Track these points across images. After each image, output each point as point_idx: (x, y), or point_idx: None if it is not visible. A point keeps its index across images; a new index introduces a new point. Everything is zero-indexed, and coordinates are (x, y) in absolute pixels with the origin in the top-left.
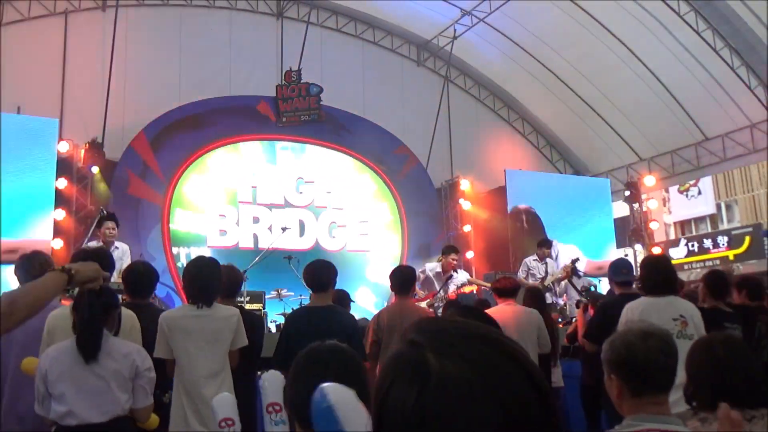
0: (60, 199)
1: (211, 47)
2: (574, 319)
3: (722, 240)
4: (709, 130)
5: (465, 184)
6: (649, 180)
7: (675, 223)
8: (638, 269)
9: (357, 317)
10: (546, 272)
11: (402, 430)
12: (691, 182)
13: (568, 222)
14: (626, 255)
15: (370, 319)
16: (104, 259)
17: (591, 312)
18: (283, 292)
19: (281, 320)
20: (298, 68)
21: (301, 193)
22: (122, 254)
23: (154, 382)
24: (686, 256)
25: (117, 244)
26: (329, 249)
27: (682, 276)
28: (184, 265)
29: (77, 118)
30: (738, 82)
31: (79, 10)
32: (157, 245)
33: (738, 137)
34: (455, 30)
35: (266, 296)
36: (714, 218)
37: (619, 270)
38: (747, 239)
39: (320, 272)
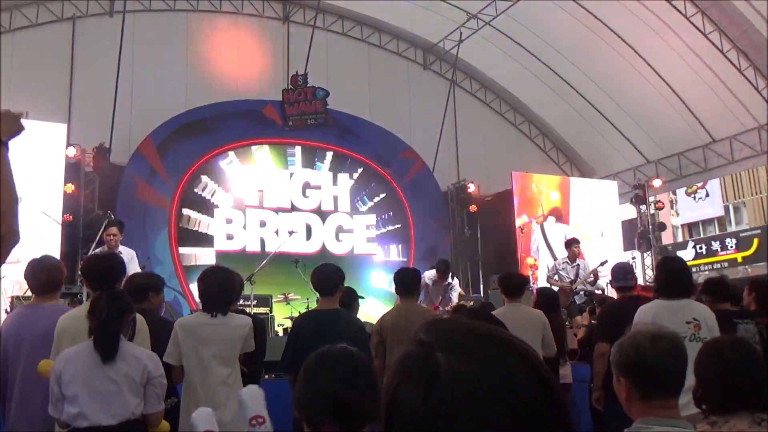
0: (68, 204)
1: (218, 52)
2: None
3: (730, 242)
4: (717, 132)
5: (471, 188)
6: (657, 182)
7: (682, 225)
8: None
9: (363, 319)
10: (576, 275)
11: (411, 429)
12: (699, 184)
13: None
14: (633, 258)
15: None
16: (116, 264)
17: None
18: (290, 295)
19: (288, 324)
20: (304, 72)
21: (307, 197)
22: (128, 260)
23: (166, 388)
24: (694, 259)
25: (121, 249)
26: (336, 253)
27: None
28: (188, 268)
29: (85, 123)
30: (745, 83)
31: (87, 16)
32: (164, 249)
33: (746, 139)
34: (461, 33)
35: (273, 300)
36: (722, 220)
37: (616, 276)
38: (755, 241)
39: (328, 276)
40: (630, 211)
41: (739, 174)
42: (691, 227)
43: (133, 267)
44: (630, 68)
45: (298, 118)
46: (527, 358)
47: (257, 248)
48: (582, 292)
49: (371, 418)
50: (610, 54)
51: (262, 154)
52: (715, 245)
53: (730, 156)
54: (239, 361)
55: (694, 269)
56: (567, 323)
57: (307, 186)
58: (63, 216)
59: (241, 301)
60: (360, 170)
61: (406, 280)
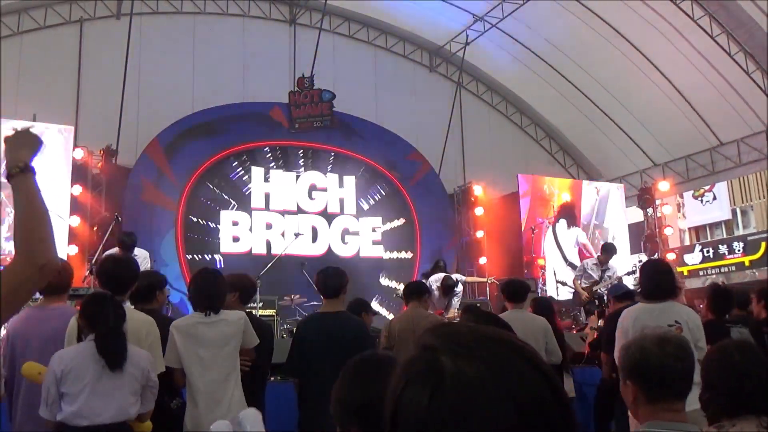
0: (75, 206)
1: (224, 54)
2: (590, 327)
3: (738, 246)
4: (724, 135)
5: (477, 190)
6: (664, 185)
7: (690, 228)
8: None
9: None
10: (601, 278)
11: None
12: (706, 187)
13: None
14: (639, 261)
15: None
16: (131, 268)
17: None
18: (296, 298)
19: (294, 326)
20: (310, 74)
21: (313, 199)
22: (142, 261)
23: (170, 389)
24: (701, 262)
25: (136, 251)
26: (342, 255)
27: (697, 282)
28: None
29: (92, 125)
30: (753, 86)
31: (94, 19)
32: (171, 251)
33: (753, 142)
34: (467, 36)
35: (279, 302)
36: (729, 224)
37: (615, 286)
38: (763, 245)
39: (332, 279)
40: (637, 215)
41: (746, 177)
42: (698, 230)
43: (146, 267)
44: (637, 71)
45: (304, 120)
46: (532, 359)
47: (263, 251)
48: (594, 298)
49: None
50: (617, 56)
51: (268, 156)
52: (723, 249)
53: (738, 159)
54: (248, 357)
55: (701, 273)
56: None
57: (313, 188)
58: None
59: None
60: (366, 172)
61: (413, 287)
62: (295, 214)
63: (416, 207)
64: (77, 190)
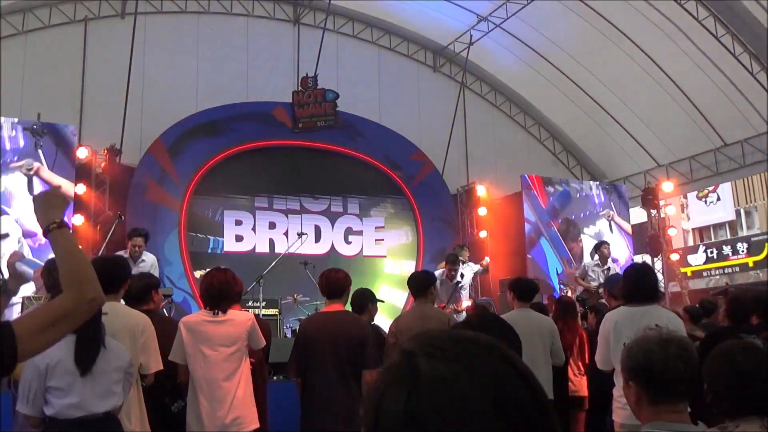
0: (78, 205)
1: (228, 54)
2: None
3: (742, 247)
4: (728, 136)
5: (481, 190)
6: (667, 186)
7: (693, 229)
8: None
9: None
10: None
11: None
12: (710, 188)
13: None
14: (643, 262)
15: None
16: (122, 268)
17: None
18: (299, 297)
19: (297, 326)
20: (314, 74)
21: (316, 199)
22: (150, 266)
23: (172, 391)
24: (705, 263)
25: (144, 256)
26: (345, 254)
27: (700, 283)
28: (199, 271)
29: (96, 125)
30: (757, 86)
31: (99, 18)
32: (175, 251)
33: (757, 143)
34: (471, 36)
35: (282, 301)
36: (733, 225)
37: (610, 284)
38: (767, 246)
39: (335, 279)
40: (640, 215)
41: (750, 178)
42: (702, 231)
43: (155, 273)
44: (641, 71)
45: (307, 120)
46: (510, 360)
47: (266, 250)
48: (578, 299)
49: None
50: (621, 57)
51: (271, 156)
52: (727, 249)
53: (742, 160)
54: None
55: (704, 273)
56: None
57: (316, 188)
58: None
59: (250, 303)
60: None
61: (419, 282)
62: (299, 214)
63: (419, 207)
64: (81, 188)
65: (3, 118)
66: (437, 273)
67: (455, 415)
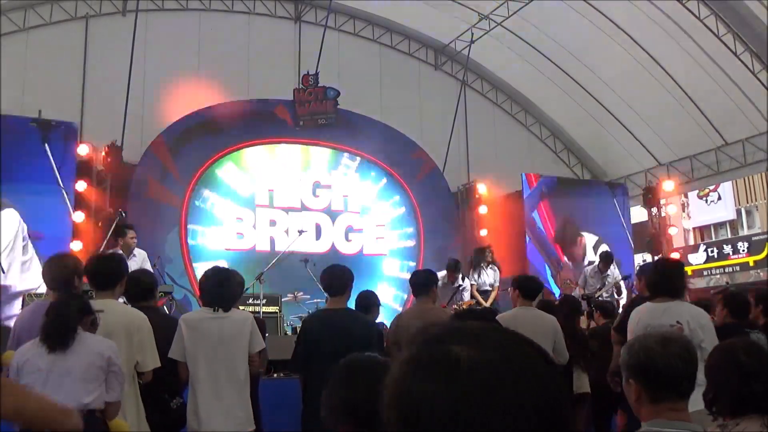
0: (79, 202)
1: (230, 51)
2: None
3: (742, 246)
4: (729, 135)
5: (482, 189)
6: (668, 185)
7: (694, 228)
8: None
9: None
10: (603, 285)
11: (434, 422)
12: (711, 187)
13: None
14: (644, 260)
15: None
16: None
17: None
18: (300, 295)
19: (298, 323)
20: (315, 72)
21: (317, 196)
22: (141, 261)
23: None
24: (705, 262)
25: (135, 251)
26: (345, 252)
27: (701, 282)
28: (200, 268)
29: (97, 122)
30: (759, 85)
31: (100, 15)
32: (175, 248)
33: (758, 142)
34: (473, 34)
35: (282, 299)
36: (734, 224)
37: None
38: (767, 245)
39: (337, 277)
40: (641, 214)
41: (751, 177)
42: (702, 230)
43: (146, 267)
44: (642, 70)
45: (309, 118)
46: (537, 348)
47: (267, 247)
48: (583, 297)
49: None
50: (623, 55)
51: (272, 153)
52: (727, 249)
53: (743, 159)
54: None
55: (705, 273)
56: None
57: (317, 185)
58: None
59: (250, 300)
60: (372, 171)
61: (420, 281)
62: (299, 211)
63: (420, 205)
64: (82, 186)
65: None
66: (440, 275)
67: (498, 402)
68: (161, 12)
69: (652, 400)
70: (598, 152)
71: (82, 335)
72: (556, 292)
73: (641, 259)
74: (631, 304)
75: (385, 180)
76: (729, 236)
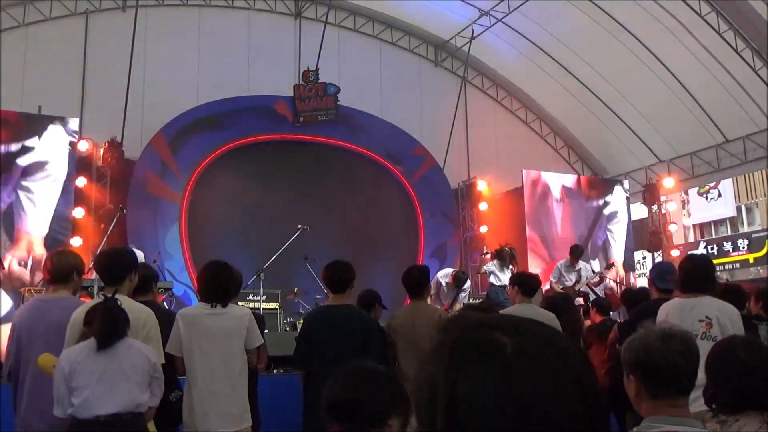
0: (79, 198)
1: (230, 47)
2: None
3: (742, 243)
4: (730, 132)
5: (482, 185)
6: (668, 182)
7: (694, 225)
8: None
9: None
10: (579, 278)
11: (487, 418)
12: (711, 184)
13: None
14: (644, 258)
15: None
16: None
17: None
18: (299, 291)
19: (297, 319)
20: (315, 68)
21: (318, 192)
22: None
23: (170, 381)
24: None
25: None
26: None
27: None
28: (198, 262)
29: (97, 118)
30: (759, 83)
31: (100, 11)
32: (175, 244)
33: (759, 139)
34: (473, 30)
35: (282, 295)
36: (734, 221)
37: (664, 276)
38: (767, 243)
39: (340, 272)
40: (641, 211)
41: (751, 174)
42: (702, 227)
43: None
44: (643, 67)
45: (309, 114)
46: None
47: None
48: (579, 294)
49: (379, 418)
50: (623, 52)
51: (272, 149)
52: (727, 246)
53: (743, 156)
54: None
55: None
56: None
57: (318, 181)
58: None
59: (250, 296)
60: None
61: (414, 280)
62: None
63: (420, 201)
64: (82, 181)
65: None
66: (443, 272)
67: (547, 391)
68: (161, 7)
69: (652, 396)
70: (599, 149)
71: (128, 340)
72: None
73: (641, 256)
74: (638, 311)
75: (385, 176)
76: (729, 233)
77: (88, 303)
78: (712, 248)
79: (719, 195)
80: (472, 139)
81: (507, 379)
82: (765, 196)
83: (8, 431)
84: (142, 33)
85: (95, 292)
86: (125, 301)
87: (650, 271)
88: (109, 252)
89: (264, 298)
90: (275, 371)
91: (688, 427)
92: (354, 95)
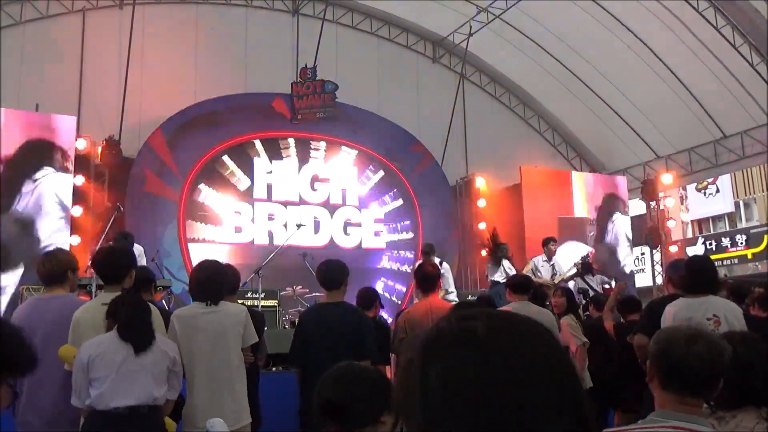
0: (77, 196)
1: (227, 44)
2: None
3: (740, 239)
4: (728, 128)
5: (480, 182)
6: (667, 178)
7: (692, 221)
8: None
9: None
10: (554, 272)
11: (463, 402)
12: (709, 180)
13: None
14: (642, 253)
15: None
16: (125, 257)
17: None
18: (298, 289)
19: (296, 317)
20: (313, 65)
21: (316, 190)
22: (138, 256)
23: (182, 379)
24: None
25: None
26: (344, 246)
27: None
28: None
29: (95, 116)
30: (757, 78)
31: (97, 8)
32: (174, 242)
33: (757, 134)
34: (471, 27)
35: (281, 293)
36: (732, 217)
37: (673, 271)
38: (765, 238)
39: (333, 271)
40: (639, 207)
41: (749, 170)
42: (701, 223)
43: (142, 264)
44: (641, 62)
45: (307, 111)
46: (545, 327)
47: (265, 241)
48: (579, 291)
49: (370, 416)
50: (621, 48)
51: (270, 146)
52: (725, 241)
53: (741, 152)
54: (248, 352)
55: None
56: None
57: (315, 179)
58: (72, 207)
59: (249, 294)
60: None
61: (427, 276)
62: (298, 205)
63: (418, 198)
64: (80, 180)
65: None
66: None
67: (522, 371)
68: (158, 5)
69: (663, 387)
70: (597, 145)
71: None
72: None
73: (639, 252)
74: (652, 306)
75: (383, 173)
76: (727, 229)
77: (88, 302)
78: (711, 244)
79: (717, 191)
80: (470, 136)
81: (480, 359)
82: (763, 191)
83: (8, 431)
84: (139, 30)
85: (93, 290)
86: None
87: (666, 270)
88: (108, 250)
89: (263, 295)
90: (274, 368)
91: (693, 425)
92: (352, 92)
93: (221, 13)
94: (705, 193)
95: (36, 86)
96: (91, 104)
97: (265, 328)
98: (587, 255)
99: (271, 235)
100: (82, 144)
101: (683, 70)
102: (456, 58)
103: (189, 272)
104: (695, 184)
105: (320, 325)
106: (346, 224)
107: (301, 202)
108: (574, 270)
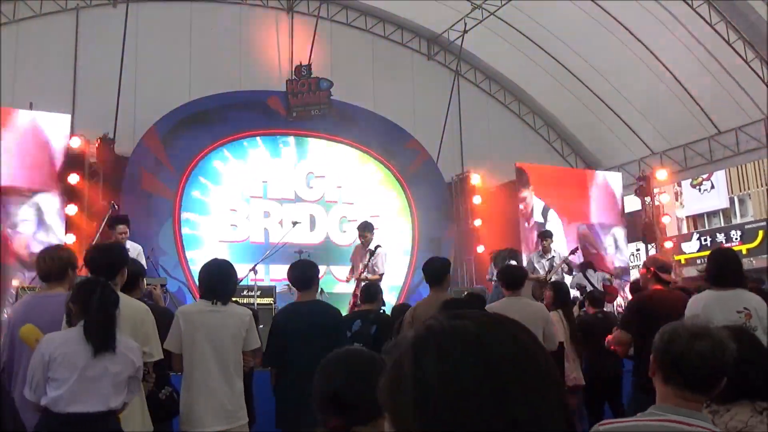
0: (72, 195)
1: (222, 42)
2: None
3: (735, 234)
4: (722, 124)
5: (475, 179)
6: (661, 174)
7: (687, 217)
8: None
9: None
10: (551, 267)
11: (463, 401)
12: (704, 176)
13: None
14: (638, 250)
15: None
16: (117, 255)
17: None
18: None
19: None
20: (308, 63)
21: (311, 187)
22: (135, 254)
23: (162, 379)
24: (699, 251)
25: (129, 245)
26: (340, 243)
27: (694, 271)
28: (194, 260)
29: (88, 114)
30: (751, 74)
31: (91, 6)
32: (169, 240)
33: (751, 130)
34: (466, 24)
35: (277, 291)
36: (727, 212)
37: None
38: (760, 233)
39: (304, 271)
40: (634, 203)
41: (744, 166)
42: (696, 219)
43: (141, 261)
44: (635, 59)
45: (302, 108)
46: (519, 324)
47: (261, 239)
48: (577, 287)
49: (377, 411)
50: (616, 45)
51: (265, 144)
52: (720, 237)
53: (736, 148)
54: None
55: (698, 261)
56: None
57: (311, 176)
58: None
59: (244, 292)
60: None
61: (435, 270)
62: (293, 202)
63: (414, 195)
64: (74, 178)
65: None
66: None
67: (485, 364)
68: (152, 3)
69: (664, 381)
70: (592, 142)
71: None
72: None
73: (635, 248)
74: (636, 303)
75: (378, 170)
76: (722, 225)
77: None
78: (705, 240)
79: (712, 186)
80: (466, 133)
81: (475, 357)
82: (758, 187)
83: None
84: (133, 28)
85: None
86: (123, 299)
87: (649, 261)
88: (100, 247)
89: (258, 293)
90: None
91: (692, 419)
92: (347, 90)
93: (215, 10)
94: (700, 189)
95: (30, 84)
96: (84, 102)
97: (260, 326)
98: (576, 248)
99: (266, 233)
100: (76, 142)
101: (678, 67)
102: (451, 55)
103: (184, 270)
104: (690, 180)
105: (293, 324)
106: (342, 221)
107: (297, 199)
108: (563, 266)
